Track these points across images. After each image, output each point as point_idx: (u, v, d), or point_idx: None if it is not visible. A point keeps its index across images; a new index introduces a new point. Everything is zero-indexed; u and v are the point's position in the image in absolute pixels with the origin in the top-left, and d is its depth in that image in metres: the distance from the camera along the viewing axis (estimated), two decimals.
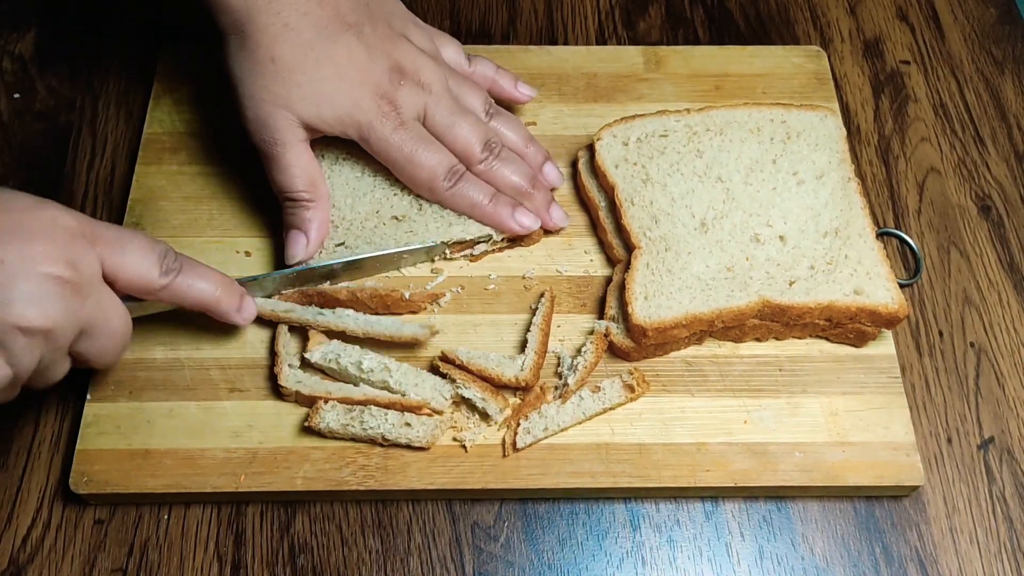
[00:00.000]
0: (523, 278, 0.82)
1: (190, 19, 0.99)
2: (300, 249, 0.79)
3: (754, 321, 0.77)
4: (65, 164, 0.89)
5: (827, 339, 0.80)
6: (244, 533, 0.74)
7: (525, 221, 0.82)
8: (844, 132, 0.86)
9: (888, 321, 0.77)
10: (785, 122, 0.86)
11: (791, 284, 0.78)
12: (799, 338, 0.80)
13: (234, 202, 0.86)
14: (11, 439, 0.77)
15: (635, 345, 0.77)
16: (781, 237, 0.80)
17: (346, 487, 0.73)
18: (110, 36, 0.98)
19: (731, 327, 0.78)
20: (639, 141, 0.85)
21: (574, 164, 0.88)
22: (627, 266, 0.79)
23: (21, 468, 0.76)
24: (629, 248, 0.81)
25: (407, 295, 0.79)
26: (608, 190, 0.84)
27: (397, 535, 0.74)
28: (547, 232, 0.85)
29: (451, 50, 0.87)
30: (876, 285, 0.78)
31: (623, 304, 0.77)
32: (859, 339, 0.79)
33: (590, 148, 0.86)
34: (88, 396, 0.76)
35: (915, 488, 0.75)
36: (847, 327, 0.78)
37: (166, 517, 0.74)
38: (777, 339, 0.80)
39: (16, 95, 0.94)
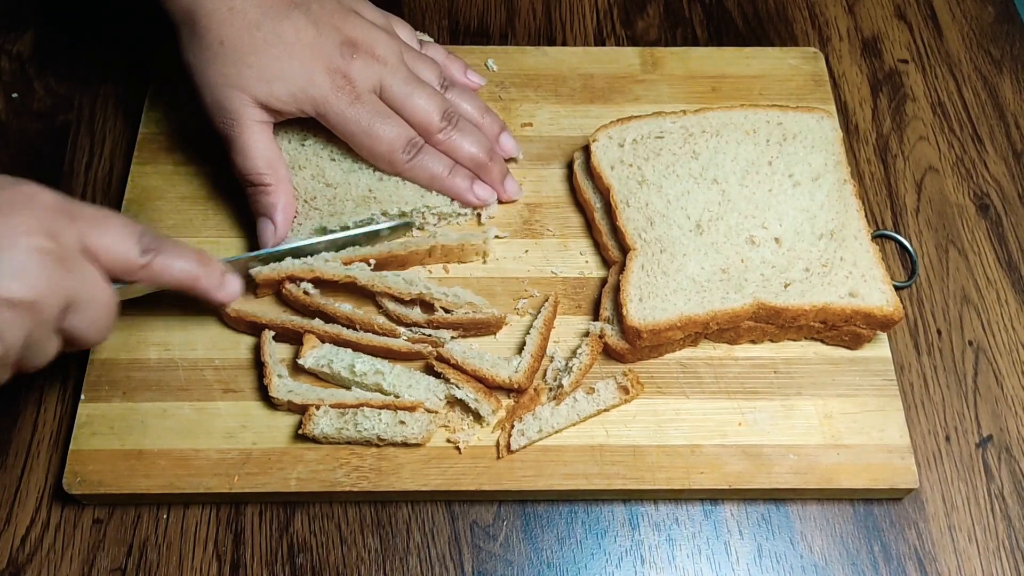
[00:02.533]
0: (520, 280, 0.83)
1: None
2: (269, 236, 0.80)
3: (749, 323, 0.77)
4: (63, 164, 0.89)
5: (822, 341, 0.80)
6: (243, 533, 0.74)
7: (482, 193, 0.84)
8: (840, 134, 0.86)
9: (883, 324, 0.77)
10: (781, 124, 0.86)
11: (786, 286, 0.77)
12: (794, 340, 0.80)
13: (229, 202, 0.86)
14: (10, 438, 0.77)
15: (630, 347, 0.77)
16: (776, 239, 0.80)
17: (340, 488, 0.73)
18: (108, 36, 0.98)
19: (726, 329, 0.78)
20: (635, 143, 0.85)
21: (570, 165, 0.88)
22: (622, 268, 0.79)
23: (20, 468, 0.76)
24: (624, 250, 0.81)
25: (403, 338, 0.79)
26: (604, 192, 0.84)
27: (396, 534, 0.74)
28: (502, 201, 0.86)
29: (404, 31, 0.86)
30: (871, 288, 0.78)
31: (618, 306, 0.77)
32: (854, 341, 0.79)
33: (586, 149, 0.86)
34: (82, 396, 0.76)
35: (909, 491, 0.75)
36: (842, 329, 0.78)
37: (165, 517, 0.74)
38: (772, 341, 0.80)
39: (14, 95, 0.94)
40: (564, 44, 1.00)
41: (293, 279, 0.78)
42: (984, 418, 0.80)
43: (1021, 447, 0.78)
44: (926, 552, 0.74)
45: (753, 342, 0.80)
